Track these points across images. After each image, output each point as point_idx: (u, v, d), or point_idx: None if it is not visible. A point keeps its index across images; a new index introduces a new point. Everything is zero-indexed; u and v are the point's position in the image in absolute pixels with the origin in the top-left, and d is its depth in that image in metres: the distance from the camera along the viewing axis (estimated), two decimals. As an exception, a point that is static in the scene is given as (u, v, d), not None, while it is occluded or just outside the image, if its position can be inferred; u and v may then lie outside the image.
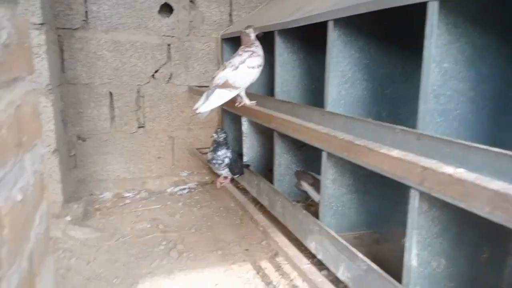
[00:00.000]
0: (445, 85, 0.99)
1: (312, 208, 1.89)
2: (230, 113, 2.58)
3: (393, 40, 1.44)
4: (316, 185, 1.94)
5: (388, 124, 1.09)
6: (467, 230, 1.13)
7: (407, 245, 1.08)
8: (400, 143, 0.98)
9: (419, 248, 1.09)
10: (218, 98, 1.46)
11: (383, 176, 1.57)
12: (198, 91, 2.59)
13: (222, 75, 1.47)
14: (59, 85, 2.34)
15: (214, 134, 1.89)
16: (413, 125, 1.00)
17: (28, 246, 0.66)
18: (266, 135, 2.34)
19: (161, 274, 1.74)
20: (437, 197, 0.91)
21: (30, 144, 0.70)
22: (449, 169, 0.64)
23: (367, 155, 0.76)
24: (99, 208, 2.44)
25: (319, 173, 2.03)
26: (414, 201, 1.02)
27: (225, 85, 1.46)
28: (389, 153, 0.71)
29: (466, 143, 0.83)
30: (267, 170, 2.29)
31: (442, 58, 0.98)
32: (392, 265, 1.22)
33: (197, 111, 1.48)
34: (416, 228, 1.05)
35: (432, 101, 0.98)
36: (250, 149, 2.30)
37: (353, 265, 1.29)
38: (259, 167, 2.25)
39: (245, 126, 2.25)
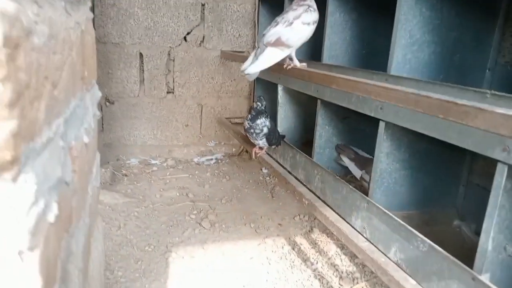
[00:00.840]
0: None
1: (352, 184, 1.78)
2: (262, 81, 2.44)
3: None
4: (358, 160, 1.83)
5: (475, 89, 0.96)
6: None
7: (484, 226, 0.97)
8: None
9: (496, 231, 0.98)
10: (268, 57, 1.32)
11: (440, 153, 1.45)
12: (231, 55, 2.46)
13: (274, 32, 1.32)
14: (88, 43, 2.23)
15: (258, 103, 1.76)
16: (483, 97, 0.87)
17: (88, 201, 0.56)
18: (302, 105, 2.20)
19: (195, 244, 1.67)
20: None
21: (90, 82, 0.59)
22: None
23: (475, 117, 0.64)
24: (126, 173, 2.37)
25: (360, 148, 1.91)
26: (502, 178, 0.90)
27: (277, 43, 1.31)
28: (509, 112, 0.59)
29: None
30: (301, 144, 2.18)
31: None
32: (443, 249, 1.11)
33: (245, 72, 1.35)
34: (498, 207, 0.94)
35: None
36: (284, 120, 2.18)
37: (409, 245, 1.18)
38: (293, 140, 2.13)
39: (281, 95, 2.12)
